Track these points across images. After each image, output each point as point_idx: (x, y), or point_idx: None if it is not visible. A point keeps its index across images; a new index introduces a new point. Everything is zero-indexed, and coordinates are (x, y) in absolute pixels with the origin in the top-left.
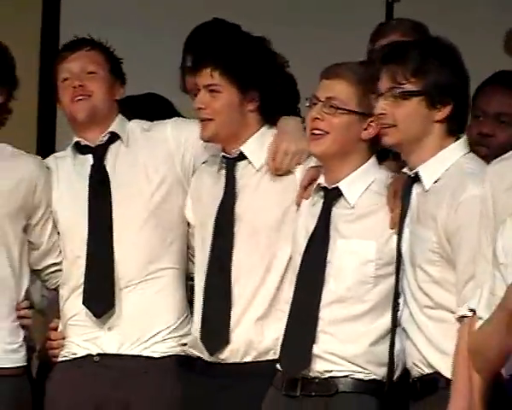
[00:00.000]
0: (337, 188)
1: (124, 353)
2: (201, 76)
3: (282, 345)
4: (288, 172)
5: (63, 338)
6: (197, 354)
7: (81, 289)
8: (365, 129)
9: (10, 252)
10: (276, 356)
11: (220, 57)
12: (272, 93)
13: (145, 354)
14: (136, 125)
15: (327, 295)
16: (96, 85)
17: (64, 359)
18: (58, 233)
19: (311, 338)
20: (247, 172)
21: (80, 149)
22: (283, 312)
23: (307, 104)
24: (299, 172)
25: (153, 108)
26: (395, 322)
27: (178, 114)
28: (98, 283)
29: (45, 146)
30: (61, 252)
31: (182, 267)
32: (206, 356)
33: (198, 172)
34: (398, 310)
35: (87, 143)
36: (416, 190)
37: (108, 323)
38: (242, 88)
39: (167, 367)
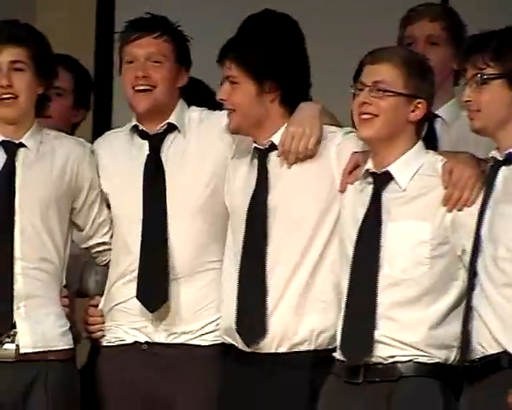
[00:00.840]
0: (387, 172)
1: (172, 342)
2: (223, 68)
3: (342, 333)
4: (298, 158)
5: (101, 316)
6: (231, 341)
7: (130, 277)
8: (413, 111)
9: (55, 236)
10: (311, 347)
11: (235, 49)
12: (292, 83)
13: (193, 343)
14: (195, 115)
15: (383, 279)
16: (160, 77)
17: (111, 344)
18: (108, 207)
19: (371, 324)
20: (279, 162)
21: (138, 132)
22: (321, 301)
23: (352, 91)
24: (335, 159)
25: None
26: (469, 302)
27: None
28: (152, 276)
29: (101, 123)
30: (108, 231)
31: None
32: (240, 345)
33: (233, 162)
34: (472, 290)
35: (145, 130)
36: (503, 172)
37: (157, 313)
38: (258, 79)
39: (214, 356)
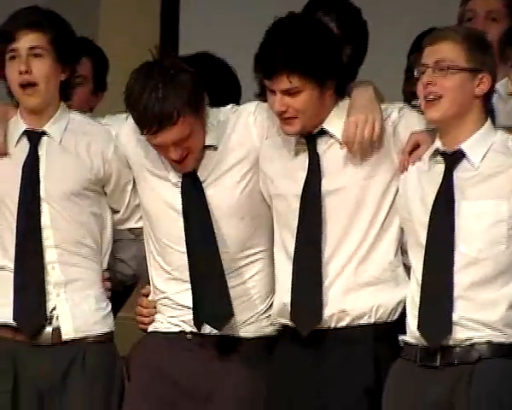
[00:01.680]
0: (459, 151)
1: (216, 333)
2: (277, 82)
3: (420, 317)
4: (363, 147)
5: (154, 308)
6: (286, 322)
7: (174, 274)
8: (478, 85)
9: (87, 221)
10: (371, 320)
11: (295, 61)
12: (346, 73)
13: (238, 334)
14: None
15: (459, 259)
16: None
17: (156, 330)
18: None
19: (449, 305)
20: (330, 146)
21: None
22: (377, 278)
23: (416, 75)
24: (391, 138)
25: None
26: None
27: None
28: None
29: None
30: (141, 217)
31: (271, 246)
32: (296, 324)
33: (264, 149)
34: None
35: None
36: None
37: None
38: (321, 81)
39: (259, 347)
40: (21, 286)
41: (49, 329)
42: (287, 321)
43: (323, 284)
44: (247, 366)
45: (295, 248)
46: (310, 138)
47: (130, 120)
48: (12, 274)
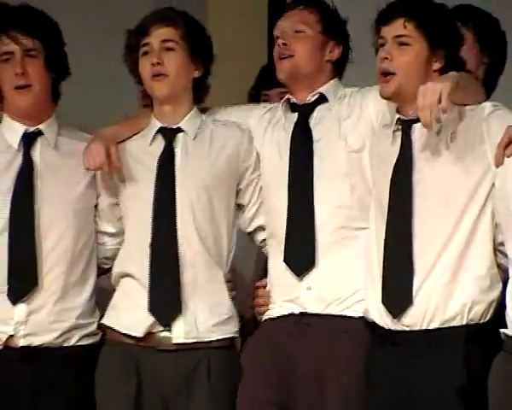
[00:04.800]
0: None
1: (324, 313)
2: (393, 26)
3: None
4: (436, 119)
5: (269, 297)
6: (377, 320)
7: (283, 247)
8: None
9: (219, 221)
10: (463, 322)
11: (416, 9)
12: (457, 55)
13: (346, 313)
14: (347, 90)
15: None
16: (300, 44)
17: (268, 317)
18: None
19: None
20: (426, 133)
21: (290, 105)
22: (472, 275)
23: None
24: (485, 132)
25: None
26: None
27: None
28: (300, 240)
29: None
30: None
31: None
32: (387, 323)
33: (376, 135)
34: None
35: (295, 101)
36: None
37: (308, 282)
38: (433, 44)
39: (363, 327)
40: (157, 280)
41: (169, 334)
42: (378, 320)
43: (413, 281)
44: (354, 343)
45: (385, 239)
46: (406, 123)
47: (256, 111)
48: (135, 281)
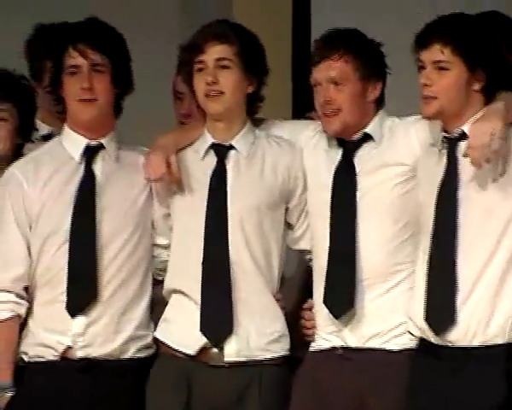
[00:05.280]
0: None
1: (365, 346)
2: (430, 52)
3: None
4: (486, 159)
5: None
6: (420, 334)
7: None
8: None
9: (269, 239)
10: (504, 340)
11: (451, 33)
12: (499, 73)
13: (386, 347)
14: (389, 123)
15: None
16: (344, 98)
17: (312, 350)
18: None
19: None
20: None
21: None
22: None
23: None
24: None
25: None
26: None
27: None
28: (340, 282)
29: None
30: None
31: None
32: (430, 337)
33: (425, 153)
34: None
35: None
36: None
37: (349, 317)
38: (471, 66)
39: (405, 360)
40: (209, 298)
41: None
42: (421, 334)
43: (457, 297)
44: (395, 378)
45: (429, 255)
46: (451, 141)
47: (306, 133)
48: (186, 299)
